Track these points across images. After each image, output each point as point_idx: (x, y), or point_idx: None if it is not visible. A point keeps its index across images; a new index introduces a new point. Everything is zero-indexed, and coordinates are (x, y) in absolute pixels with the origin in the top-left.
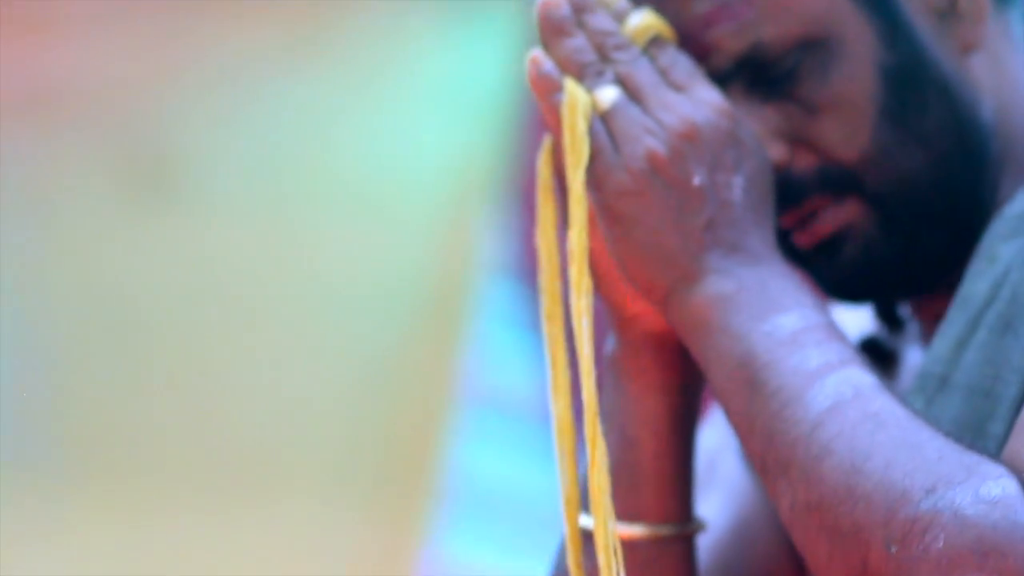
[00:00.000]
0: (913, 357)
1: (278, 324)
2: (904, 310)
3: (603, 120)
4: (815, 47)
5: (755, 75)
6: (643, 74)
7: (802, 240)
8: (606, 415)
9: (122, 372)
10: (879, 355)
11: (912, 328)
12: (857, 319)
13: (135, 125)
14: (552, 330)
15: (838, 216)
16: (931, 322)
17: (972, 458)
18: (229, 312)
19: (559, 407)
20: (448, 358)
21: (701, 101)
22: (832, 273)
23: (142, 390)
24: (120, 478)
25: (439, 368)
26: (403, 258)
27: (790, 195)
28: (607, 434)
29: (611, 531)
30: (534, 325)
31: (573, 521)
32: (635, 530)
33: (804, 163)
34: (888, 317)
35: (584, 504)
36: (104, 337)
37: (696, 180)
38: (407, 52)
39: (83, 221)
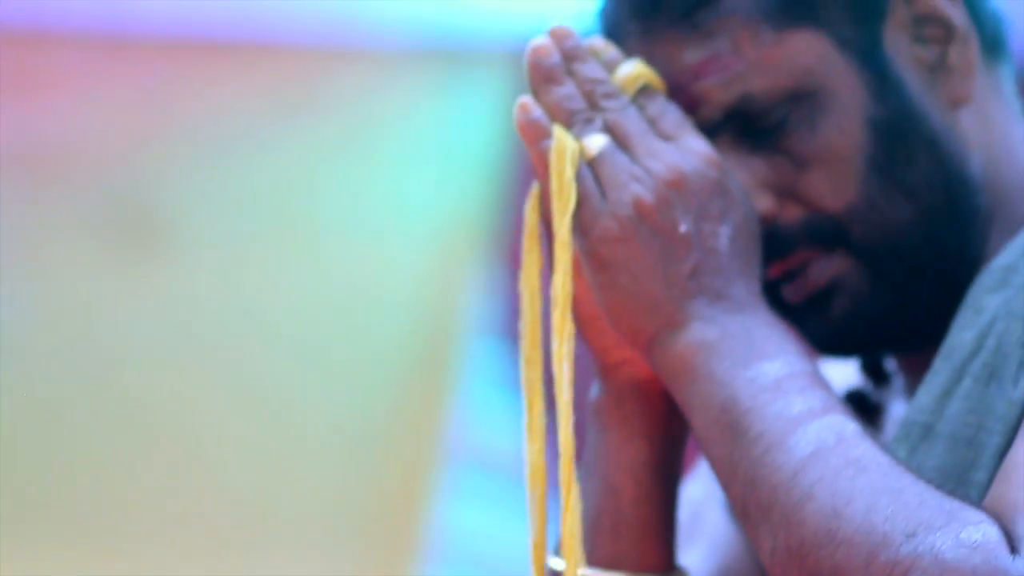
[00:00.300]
0: (898, 410)
1: (263, 380)
2: (890, 364)
3: (591, 167)
4: (804, 99)
5: (744, 126)
6: (631, 122)
7: (792, 294)
8: (588, 461)
9: (108, 425)
10: (864, 408)
11: (897, 382)
12: (843, 372)
13: (120, 182)
14: (530, 375)
15: (828, 269)
16: (917, 376)
17: (953, 504)
18: (214, 369)
19: (533, 451)
20: (435, 417)
21: (689, 150)
22: (822, 328)
23: (127, 444)
24: (104, 532)
25: (426, 427)
26: (390, 316)
27: (777, 247)
28: (589, 480)
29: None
30: (520, 385)
31: (540, 565)
32: None
33: (791, 215)
34: (874, 371)
35: (556, 548)
36: (90, 391)
37: (682, 228)
38: (393, 109)
39: (68, 277)
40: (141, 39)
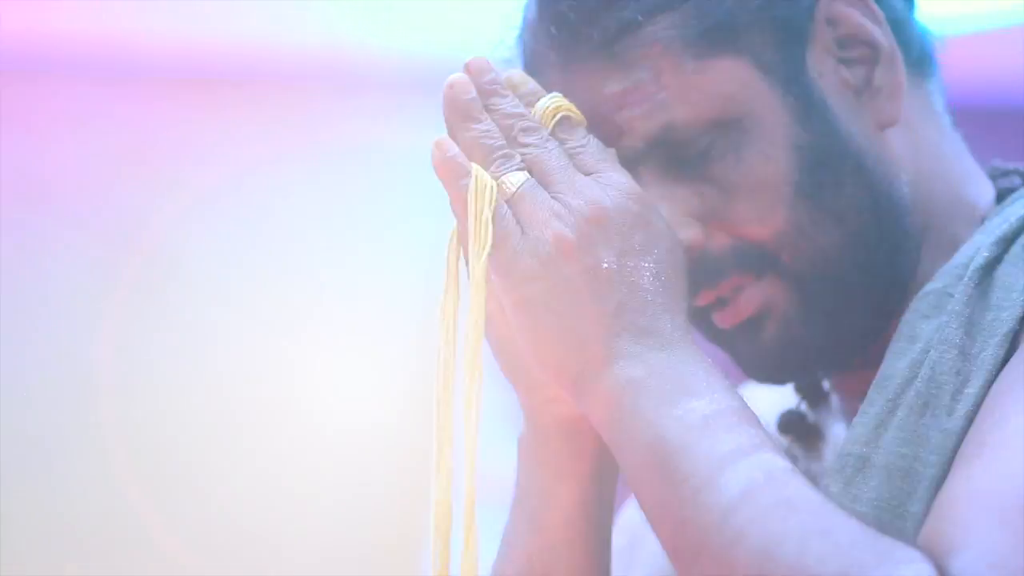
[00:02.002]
0: (836, 431)
1: (266, 415)
2: (826, 384)
3: (511, 205)
4: (728, 127)
5: (668, 156)
6: (551, 158)
7: (723, 320)
8: (517, 501)
9: (111, 463)
10: (802, 429)
11: (834, 401)
12: (779, 393)
13: (121, 217)
14: (441, 415)
15: (758, 295)
16: (853, 396)
17: (885, 543)
18: (215, 401)
19: (440, 490)
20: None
21: (610, 184)
22: (754, 353)
23: (128, 483)
24: (104, 562)
25: (422, 462)
26: (390, 343)
27: (707, 274)
28: (518, 520)
29: None
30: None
31: None
32: None
33: (719, 242)
34: (810, 392)
35: None
36: (90, 422)
37: (605, 264)
38: (394, 143)
39: (71, 311)
40: (143, 76)
